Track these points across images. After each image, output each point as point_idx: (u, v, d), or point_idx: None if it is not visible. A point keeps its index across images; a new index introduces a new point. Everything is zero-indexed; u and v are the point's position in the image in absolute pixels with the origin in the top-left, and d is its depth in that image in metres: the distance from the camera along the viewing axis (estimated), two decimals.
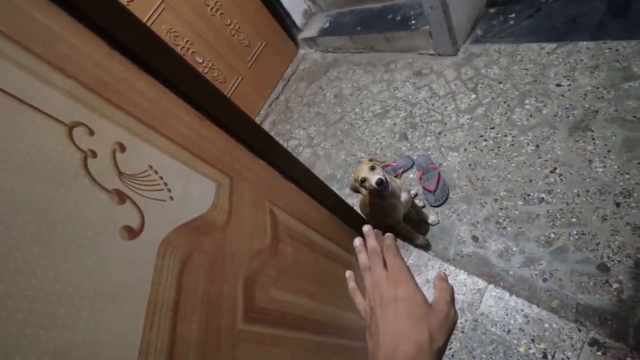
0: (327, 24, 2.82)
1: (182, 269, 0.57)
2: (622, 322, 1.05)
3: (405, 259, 1.49)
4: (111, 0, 0.65)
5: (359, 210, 1.62)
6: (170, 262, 0.56)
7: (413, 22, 2.11)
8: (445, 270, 1.40)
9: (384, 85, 2.25)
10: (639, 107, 1.31)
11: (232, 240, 0.73)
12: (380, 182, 1.19)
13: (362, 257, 0.47)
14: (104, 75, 0.61)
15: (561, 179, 1.33)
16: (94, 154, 0.53)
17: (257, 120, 2.99)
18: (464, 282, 1.33)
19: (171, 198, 0.63)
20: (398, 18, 2.24)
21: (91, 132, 0.54)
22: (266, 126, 2.88)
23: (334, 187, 2.02)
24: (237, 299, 0.65)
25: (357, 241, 0.50)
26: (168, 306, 0.52)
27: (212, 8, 2.56)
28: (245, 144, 0.99)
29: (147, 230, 0.55)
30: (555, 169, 1.36)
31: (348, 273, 0.51)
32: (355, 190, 1.29)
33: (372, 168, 1.21)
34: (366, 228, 0.50)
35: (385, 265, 0.43)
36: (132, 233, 0.52)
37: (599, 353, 1.03)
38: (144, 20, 2.26)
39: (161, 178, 0.63)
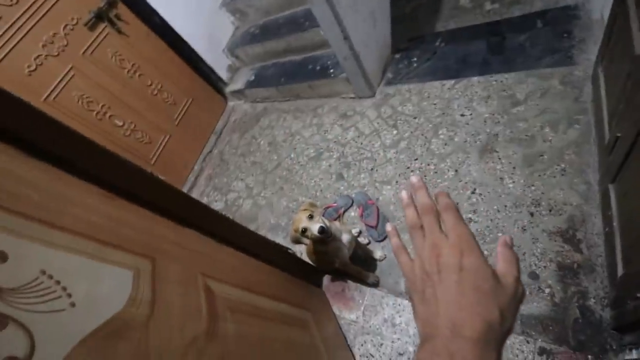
0: (253, 77, 2.91)
1: None
2: (560, 325, 1.12)
3: (360, 300, 1.47)
4: None
5: (307, 259, 1.58)
6: None
7: (332, 70, 2.27)
8: (399, 305, 1.39)
9: (315, 129, 2.33)
10: (528, 127, 1.52)
11: (158, 335, 0.63)
12: (322, 230, 1.18)
13: (411, 214, 0.40)
14: None
15: (482, 198, 1.46)
16: None
17: (191, 176, 2.86)
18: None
19: (72, 305, 0.53)
20: (318, 67, 2.39)
21: None
22: (202, 181, 2.77)
23: (279, 236, 1.96)
24: None
25: (405, 194, 0.42)
26: None
27: (129, 70, 2.48)
28: (167, 216, 0.91)
29: (39, 355, 0.45)
30: (475, 189, 1.49)
31: (389, 226, 0.43)
32: (297, 241, 1.25)
33: (310, 217, 1.20)
34: (415, 179, 0.42)
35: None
36: None
37: None
38: (50, 90, 2.09)
39: (57, 283, 0.54)
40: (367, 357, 1.35)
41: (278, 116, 2.67)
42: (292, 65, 2.61)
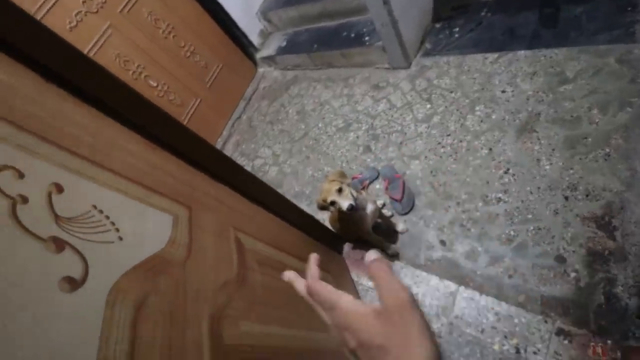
0: (285, 43, 2.86)
1: (137, 317, 0.53)
2: (582, 309, 1.11)
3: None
4: (41, 29, 0.61)
5: (329, 226, 1.61)
6: (122, 311, 0.51)
7: (367, 38, 2.19)
8: (417, 276, 1.41)
9: (345, 100, 2.29)
10: (575, 108, 1.43)
11: (194, 275, 0.68)
12: (351, 208, 1.19)
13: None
14: (37, 110, 0.56)
15: (514, 179, 1.41)
16: (25, 200, 0.48)
17: (220, 141, 2.92)
18: (436, 287, 1.35)
19: (120, 239, 0.58)
20: (352, 35, 2.31)
21: (21, 175, 0.49)
22: (230, 147, 2.82)
23: (303, 204, 2.00)
24: (202, 342, 0.61)
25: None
26: None
27: (163, 31, 2.50)
28: (204, 170, 0.95)
29: (92, 279, 0.50)
30: (508, 169, 1.44)
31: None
32: (323, 208, 1.28)
33: (340, 190, 1.21)
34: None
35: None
36: (74, 284, 0.47)
37: (566, 341, 1.08)
38: (90, 47, 2.16)
39: (107, 218, 0.58)
40: None
41: (308, 85, 2.64)
42: (326, 32, 2.53)
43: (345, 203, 1.18)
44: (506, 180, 1.43)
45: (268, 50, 2.98)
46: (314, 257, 0.43)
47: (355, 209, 1.20)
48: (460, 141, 1.64)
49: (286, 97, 2.73)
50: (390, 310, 0.32)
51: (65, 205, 0.53)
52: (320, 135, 2.25)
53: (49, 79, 0.60)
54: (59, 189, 0.54)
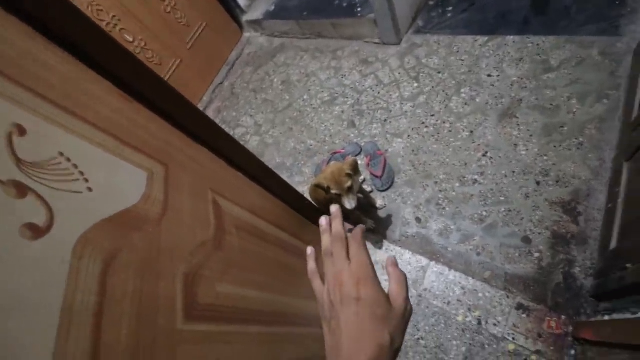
0: (273, 7, 2.72)
1: (106, 269, 0.51)
2: (542, 286, 1.18)
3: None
4: None
5: (308, 197, 1.61)
6: (90, 263, 0.49)
7: (359, 9, 2.12)
8: (392, 251, 1.46)
9: (332, 73, 2.24)
10: (555, 96, 1.46)
11: (169, 234, 0.66)
12: (352, 208, 1.19)
13: (326, 240, 0.44)
14: (6, 48, 0.51)
15: (491, 162, 1.45)
16: None
17: (200, 106, 2.81)
18: (408, 261, 1.40)
19: (89, 189, 0.55)
20: (345, 4, 2.23)
21: None
22: (210, 113, 2.72)
23: (284, 176, 1.98)
24: (175, 298, 0.60)
25: (324, 220, 0.46)
26: (89, 312, 0.46)
27: None
28: (183, 129, 0.91)
29: (58, 228, 0.48)
30: (486, 152, 1.48)
31: (309, 250, 0.47)
32: (320, 188, 1.25)
33: (350, 188, 1.19)
34: (334, 208, 0.46)
35: (348, 254, 0.41)
36: (37, 231, 0.44)
37: (524, 315, 1.15)
38: None
39: (75, 167, 0.55)
40: None
41: (295, 54, 2.55)
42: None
43: (351, 203, 1.18)
44: (484, 162, 1.47)
45: (255, 13, 2.83)
46: (310, 252, 0.47)
47: (357, 209, 1.20)
48: (444, 122, 1.65)
49: (272, 65, 2.63)
50: (393, 297, 0.39)
51: (28, 149, 0.49)
52: (304, 108, 2.21)
53: (22, 20, 0.54)
54: (22, 131, 0.50)
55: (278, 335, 0.85)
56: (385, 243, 1.49)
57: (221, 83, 2.86)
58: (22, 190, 0.46)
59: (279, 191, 1.35)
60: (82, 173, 0.56)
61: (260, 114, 2.41)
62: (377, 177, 1.63)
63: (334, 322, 0.38)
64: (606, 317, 0.98)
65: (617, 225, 1.04)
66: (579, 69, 1.47)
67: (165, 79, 2.60)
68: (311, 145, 2.02)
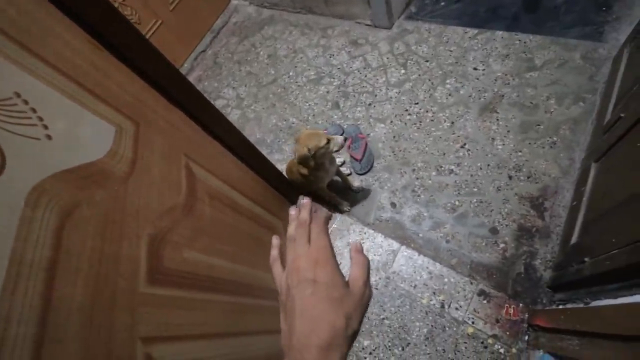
0: None
1: (63, 223, 0.47)
2: (504, 275, 1.24)
3: (330, 223, 1.53)
4: None
5: (285, 175, 1.59)
6: (45, 214, 0.45)
7: None
8: (365, 234, 1.47)
9: (320, 51, 2.19)
10: (535, 95, 1.50)
11: (136, 194, 0.63)
12: (344, 141, 1.21)
13: (291, 228, 0.44)
14: None
15: (469, 154, 1.48)
16: None
17: None
18: (380, 244, 1.42)
19: (48, 137, 0.51)
20: None
21: None
22: (190, 81, 2.60)
23: (263, 152, 1.93)
24: (139, 260, 0.57)
25: (293, 210, 0.45)
26: (40, 266, 0.43)
27: None
28: (160, 89, 0.86)
29: (10, 173, 0.43)
30: (465, 144, 1.51)
31: (274, 240, 0.47)
32: (303, 160, 1.23)
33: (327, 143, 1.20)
34: (305, 200, 0.46)
35: (309, 240, 0.41)
36: None
37: (485, 301, 1.21)
38: None
39: (34, 111, 0.50)
40: None
41: (284, 28, 2.46)
42: None
43: (339, 138, 1.18)
44: (461, 154, 1.50)
45: None
46: (275, 241, 0.47)
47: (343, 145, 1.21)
48: (427, 111, 1.66)
49: (259, 37, 2.53)
50: (351, 280, 0.38)
51: None
52: (289, 84, 2.15)
53: None
54: None
55: (243, 305, 0.84)
56: (359, 225, 1.50)
57: (204, 51, 2.73)
58: None
59: (257, 165, 1.32)
60: (40, 118, 0.51)
61: (243, 87, 2.33)
62: (356, 160, 1.63)
63: (289, 304, 0.37)
64: (560, 307, 1.04)
65: (579, 222, 1.10)
66: (561, 71, 1.51)
67: None
68: (293, 123, 1.98)
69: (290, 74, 2.19)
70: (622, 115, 1.03)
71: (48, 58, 0.55)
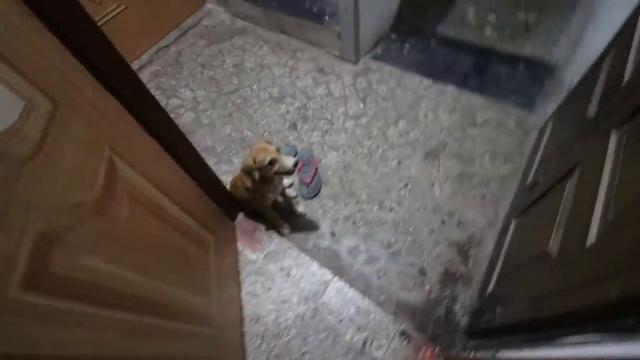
0: None
1: None
2: (426, 317, 1.27)
3: (267, 244, 1.48)
4: None
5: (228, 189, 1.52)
6: None
7: (327, 18, 2.13)
8: (300, 259, 1.44)
9: (287, 71, 2.20)
10: (473, 149, 1.63)
11: (33, 181, 0.54)
12: (296, 164, 1.14)
13: None
14: None
15: (409, 194, 1.55)
16: None
17: (136, 64, 2.51)
18: (314, 273, 1.40)
19: None
20: (314, 9, 2.23)
21: None
22: (145, 74, 2.45)
23: (211, 161, 1.85)
24: (15, 259, 0.48)
25: None
26: None
27: None
28: (95, 72, 0.78)
29: None
30: (407, 184, 1.58)
31: None
32: (248, 171, 1.17)
33: (277, 151, 1.15)
34: None
35: None
36: None
37: (405, 342, 1.22)
38: None
39: None
40: (252, 294, 1.38)
41: (255, 41, 2.46)
42: None
43: (290, 160, 1.13)
44: (403, 193, 1.56)
45: None
46: None
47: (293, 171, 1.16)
48: (377, 147, 1.73)
49: (228, 45, 2.50)
50: None
51: None
52: (251, 97, 2.12)
53: None
54: None
55: (147, 326, 0.75)
56: (296, 250, 1.47)
57: (167, 46, 2.61)
58: None
59: (198, 174, 1.25)
60: None
61: (202, 91, 2.24)
62: (305, 183, 1.62)
63: None
64: (471, 354, 1.09)
65: (496, 272, 1.18)
66: (497, 131, 1.68)
67: (102, 21, 2.29)
68: (247, 136, 1.93)
69: (254, 87, 2.17)
70: (540, 179, 1.15)
71: None
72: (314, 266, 1.42)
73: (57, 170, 0.59)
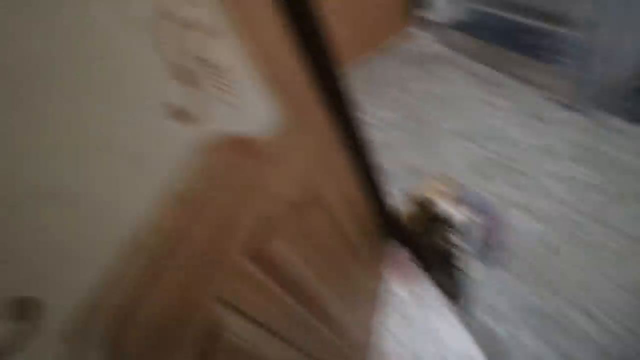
0: (464, 17, 2.47)
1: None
2: None
3: (415, 284, 1.29)
4: None
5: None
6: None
7: (557, 57, 1.77)
8: (450, 319, 1.21)
9: (485, 107, 1.96)
10: None
11: (270, 174, 0.58)
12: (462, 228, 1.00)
13: None
14: None
15: (632, 307, 1.08)
16: None
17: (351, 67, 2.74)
18: (464, 346, 1.14)
19: (234, 107, 0.48)
20: (538, 45, 1.89)
21: None
22: (357, 79, 2.63)
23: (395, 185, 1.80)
24: (238, 229, 0.52)
25: None
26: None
27: None
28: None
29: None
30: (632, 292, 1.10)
31: None
32: (413, 203, 1.07)
33: (453, 196, 1.01)
34: None
35: None
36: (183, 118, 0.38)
37: None
38: None
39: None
40: (386, 328, 1.25)
41: (454, 70, 2.30)
42: (511, 27, 2.11)
43: (459, 218, 0.98)
44: (620, 303, 1.10)
45: (436, 15, 2.62)
46: None
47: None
48: (590, 229, 1.29)
49: (422, 69, 2.43)
50: None
51: (214, 51, 0.43)
52: (436, 127, 1.98)
53: None
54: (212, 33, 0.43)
55: (311, 326, 0.75)
56: (445, 309, 1.24)
57: (362, 64, 2.73)
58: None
59: (369, 190, 1.20)
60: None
61: (387, 111, 2.25)
62: (487, 243, 1.36)
63: None
64: None
65: None
66: None
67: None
68: (421, 165, 1.81)
69: (441, 116, 2.04)
70: None
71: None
72: (465, 338, 1.16)
73: (285, 172, 0.62)
